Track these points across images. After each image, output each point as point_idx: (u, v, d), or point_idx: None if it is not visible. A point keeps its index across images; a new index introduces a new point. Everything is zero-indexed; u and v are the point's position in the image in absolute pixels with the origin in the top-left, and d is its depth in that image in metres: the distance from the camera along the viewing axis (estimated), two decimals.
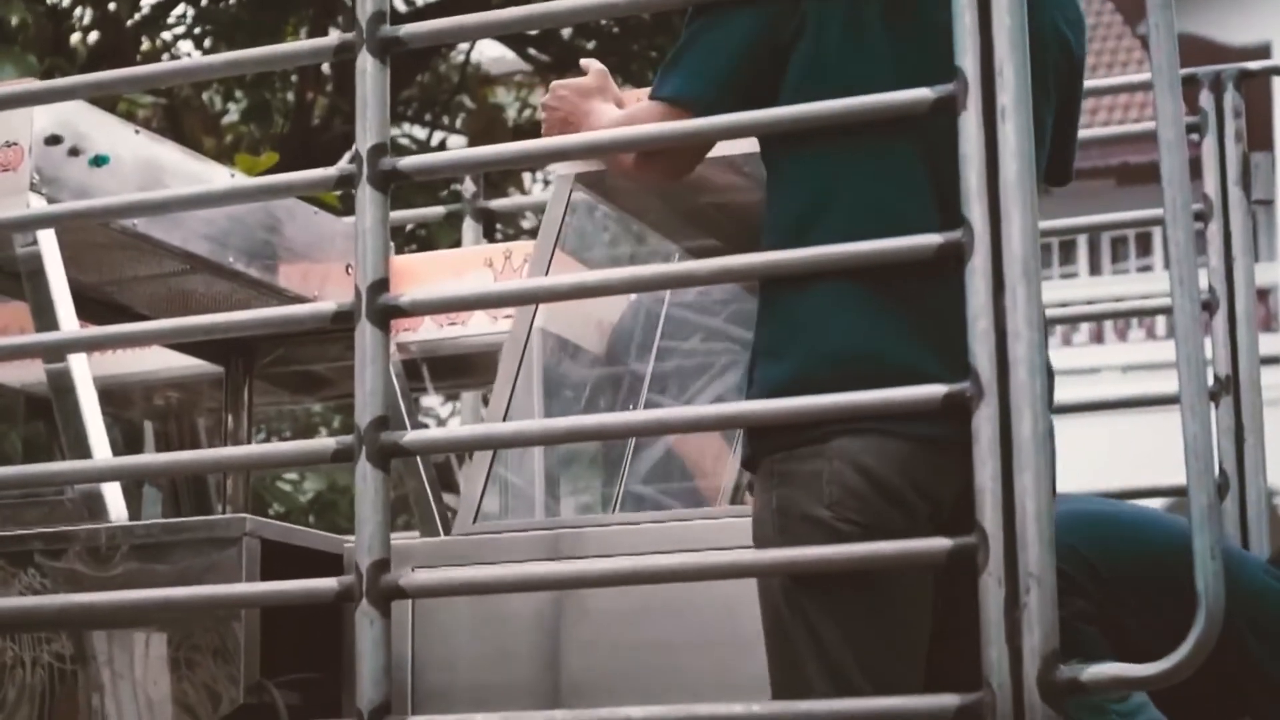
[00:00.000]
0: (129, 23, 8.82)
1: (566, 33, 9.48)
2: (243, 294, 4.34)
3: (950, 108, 2.34)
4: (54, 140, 3.81)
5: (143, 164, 4.00)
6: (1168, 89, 2.36)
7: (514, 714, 2.55)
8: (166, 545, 3.43)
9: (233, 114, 9.76)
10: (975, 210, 2.30)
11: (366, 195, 2.62)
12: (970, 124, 2.32)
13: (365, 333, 2.60)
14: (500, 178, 9.08)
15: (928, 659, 2.61)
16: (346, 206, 5.57)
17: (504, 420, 3.41)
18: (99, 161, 3.89)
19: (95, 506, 3.55)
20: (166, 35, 9.26)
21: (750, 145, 2.82)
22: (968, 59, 2.33)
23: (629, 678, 3.11)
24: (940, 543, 2.30)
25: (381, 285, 2.60)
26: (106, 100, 4.86)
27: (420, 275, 4.62)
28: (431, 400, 10.35)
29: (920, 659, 2.55)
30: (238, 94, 9.48)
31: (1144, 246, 18.38)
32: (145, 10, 8.94)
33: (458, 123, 10.34)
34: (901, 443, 2.49)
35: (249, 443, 4.96)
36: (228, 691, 3.36)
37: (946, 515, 2.51)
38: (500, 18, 2.78)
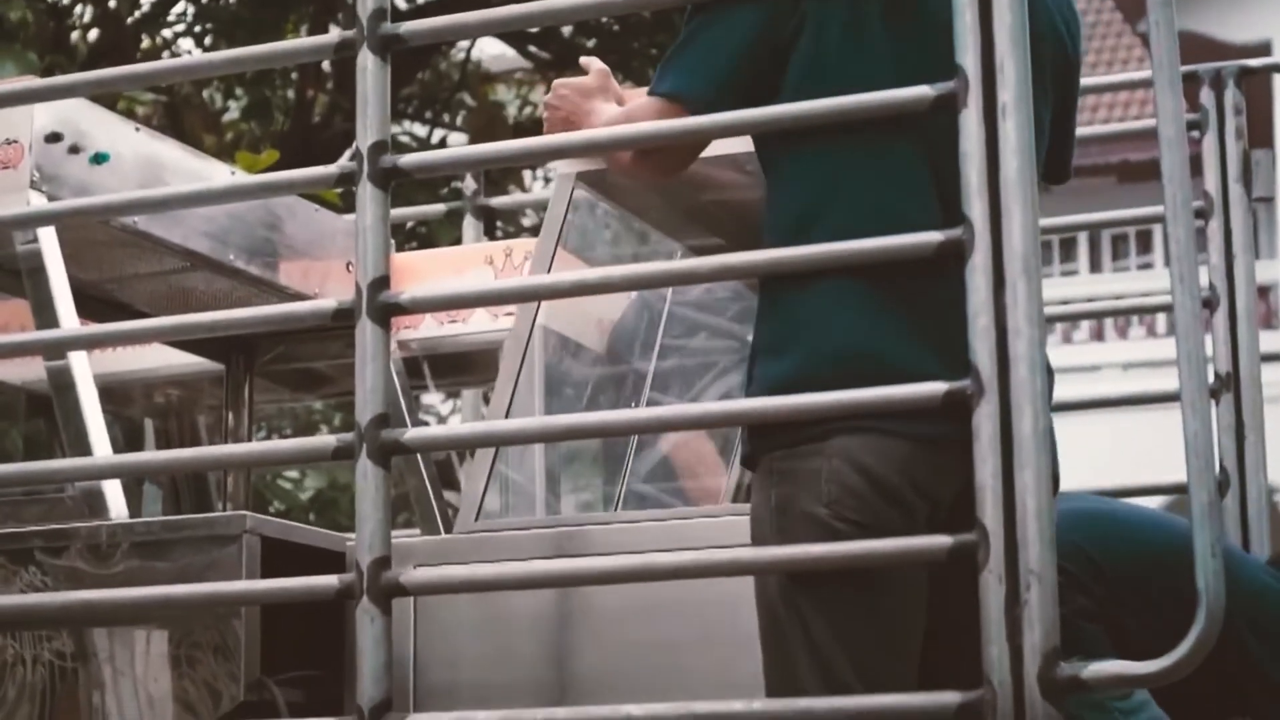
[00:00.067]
0: (129, 20, 8.82)
1: (567, 30, 9.48)
2: (243, 291, 4.34)
3: (951, 105, 2.34)
4: (54, 138, 3.81)
5: (143, 161, 4.00)
6: (1168, 86, 2.36)
7: (515, 712, 2.55)
8: (167, 543, 3.43)
9: (233, 111, 9.76)
10: (976, 207, 2.30)
11: (367, 193, 2.62)
12: (971, 121, 2.32)
13: (366, 330, 2.59)
14: (501, 175, 9.09)
15: (928, 657, 2.61)
16: (347, 204, 5.57)
17: (506, 418, 3.41)
18: (99, 159, 3.89)
19: (96, 504, 3.55)
20: (167, 33, 9.26)
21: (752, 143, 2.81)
22: (968, 56, 2.33)
23: (631, 676, 3.11)
24: (941, 540, 2.30)
25: (382, 283, 2.60)
26: (106, 98, 4.85)
27: (421, 273, 4.62)
28: (432, 398, 10.35)
29: (914, 659, 2.55)
30: (238, 91, 9.48)
31: (1144, 244, 18.38)
32: (145, 8, 8.94)
33: (458, 120, 10.35)
34: (901, 442, 2.49)
35: (249, 440, 4.96)
36: (228, 689, 3.36)
37: (945, 515, 2.51)
38: (501, 15, 2.77)
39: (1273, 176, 4.37)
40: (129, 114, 6.75)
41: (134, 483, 5.28)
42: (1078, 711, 2.33)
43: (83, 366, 3.68)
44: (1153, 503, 4.71)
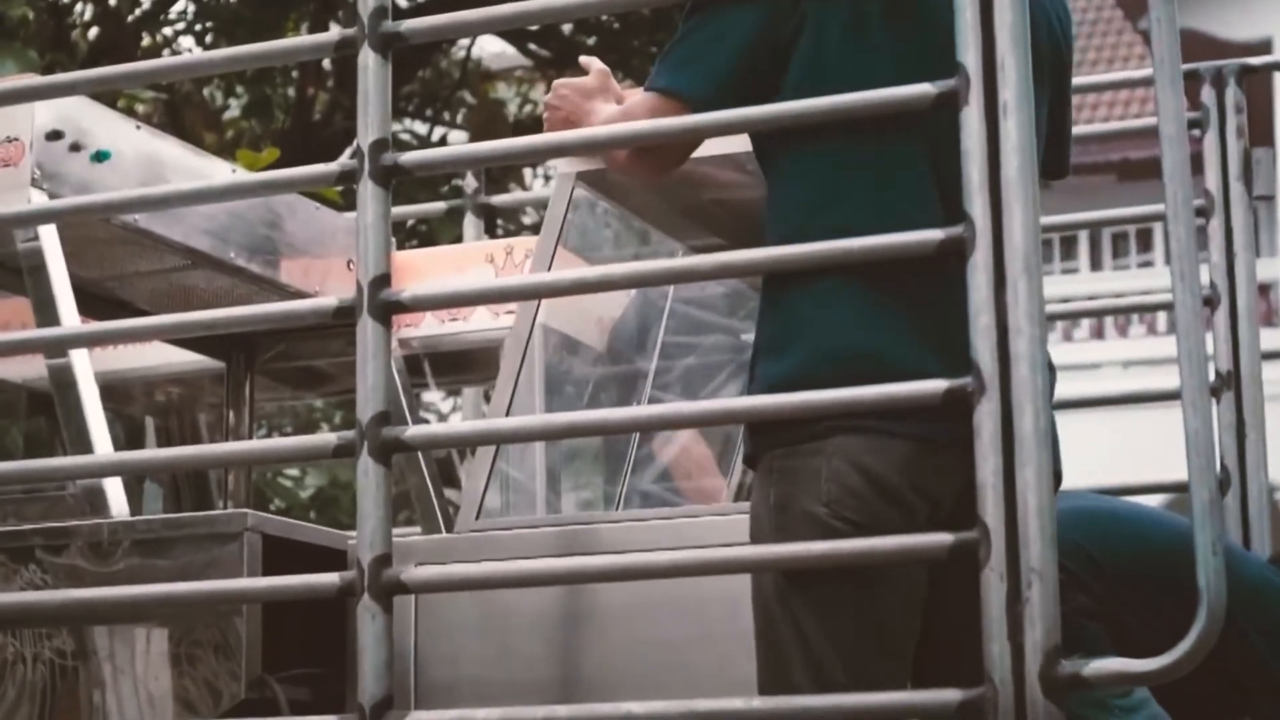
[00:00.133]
0: (129, 18, 8.82)
1: (567, 28, 9.48)
2: (244, 289, 4.34)
3: (952, 103, 2.34)
4: (55, 135, 3.81)
5: (144, 159, 4.00)
6: (1169, 84, 2.36)
7: (515, 709, 2.55)
8: (168, 540, 3.43)
9: (234, 110, 9.76)
10: (977, 205, 2.30)
11: (368, 191, 2.62)
12: (972, 119, 2.32)
13: (367, 328, 2.59)
14: (501, 173, 9.09)
15: (930, 655, 2.62)
16: (348, 202, 5.57)
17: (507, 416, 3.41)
18: (100, 157, 3.89)
19: (97, 502, 3.55)
20: (167, 31, 9.26)
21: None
22: (969, 54, 2.33)
23: (633, 674, 3.11)
24: (942, 538, 2.30)
25: (383, 281, 2.60)
26: (107, 96, 4.85)
27: (422, 271, 4.62)
28: (433, 396, 10.35)
29: (909, 659, 2.55)
30: (239, 89, 9.48)
31: (1145, 242, 18.37)
32: (146, 6, 8.94)
33: (459, 118, 10.34)
34: (902, 443, 2.49)
35: (250, 438, 4.96)
36: (229, 687, 3.36)
37: (945, 515, 2.51)
38: (501, 13, 2.77)
39: (1273, 175, 4.37)
40: (129, 112, 6.75)
41: (135, 481, 5.28)
42: (1078, 709, 2.33)
43: (84, 364, 3.68)
44: (1154, 501, 4.70)
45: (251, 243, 4.28)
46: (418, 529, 4.68)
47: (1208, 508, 2.24)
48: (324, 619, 3.37)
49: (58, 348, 3.66)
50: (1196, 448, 2.28)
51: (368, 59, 2.65)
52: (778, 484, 2.53)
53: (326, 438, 2.69)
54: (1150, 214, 4.74)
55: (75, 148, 3.85)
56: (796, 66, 2.59)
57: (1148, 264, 18.14)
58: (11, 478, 3.40)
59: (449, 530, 4.35)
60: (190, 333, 4.00)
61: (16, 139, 3.77)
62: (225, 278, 4.29)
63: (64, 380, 3.67)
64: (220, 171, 4.26)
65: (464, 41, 10.07)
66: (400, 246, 6.53)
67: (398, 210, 5.11)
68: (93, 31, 8.89)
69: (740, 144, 3.11)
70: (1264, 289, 16.17)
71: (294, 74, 9.28)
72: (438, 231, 7.85)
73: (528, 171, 10.87)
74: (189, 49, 9.37)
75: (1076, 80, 4.04)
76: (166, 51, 9.21)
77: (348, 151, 7.88)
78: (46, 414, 5.41)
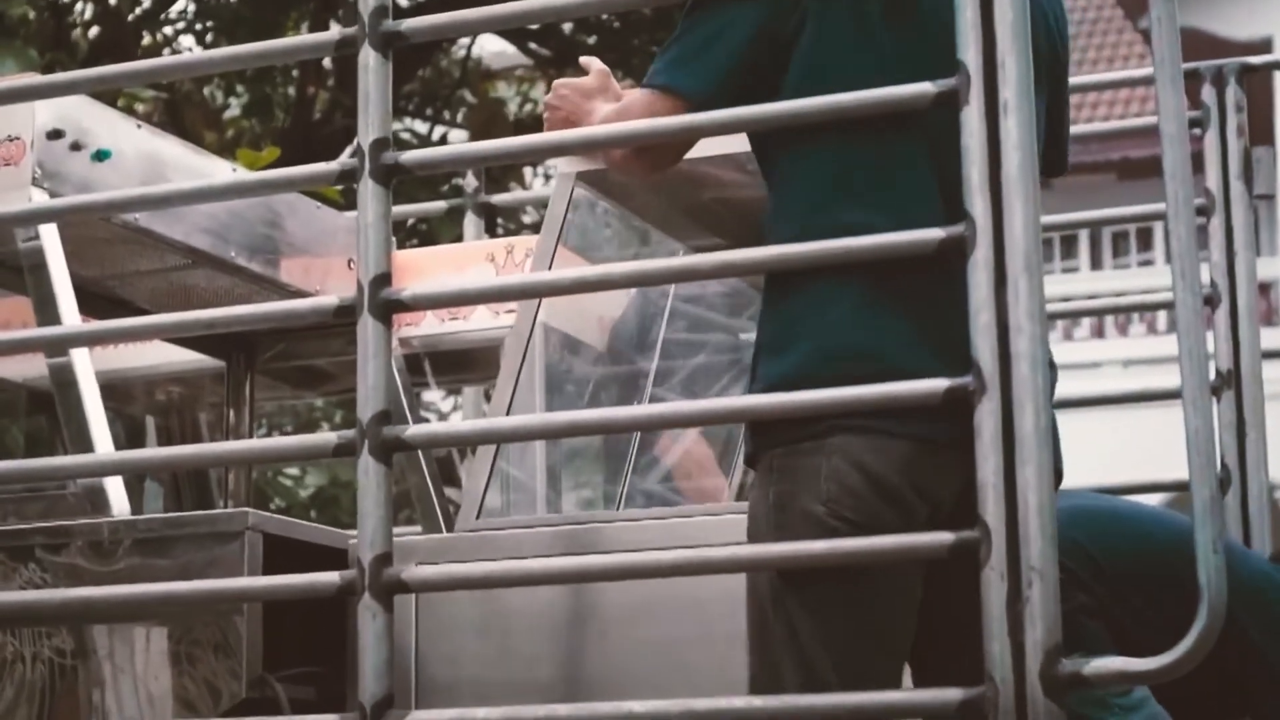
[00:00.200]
0: (130, 18, 8.82)
1: (567, 27, 9.48)
2: (244, 289, 4.34)
3: (952, 102, 2.34)
4: (56, 135, 3.81)
5: (145, 159, 4.00)
6: (1170, 83, 2.36)
7: (515, 708, 2.55)
8: (169, 540, 3.43)
9: (234, 109, 9.76)
10: (978, 204, 2.30)
11: (368, 190, 2.62)
12: (972, 118, 2.32)
13: (367, 327, 2.59)
14: (501, 173, 9.09)
15: (931, 654, 2.61)
16: (348, 201, 5.57)
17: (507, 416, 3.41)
18: (101, 156, 3.89)
19: (98, 501, 3.55)
20: (168, 30, 9.26)
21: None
22: (970, 53, 2.33)
23: (634, 674, 3.11)
24: (943, 537, 2.30)
25: (383, 280, 2.60)
26: (106, 95, 4.85)
27: (422, 270, 4.62)
28: (433, 395, 10.35)
29: (903, 661, 2.55)
30: (239, 89, 9.49)
31: (1145, 241, 18.38)
32: (146, 5, 8.95)
33: (459, 117, 10.35)
34: (902, 443, 2.48)
35: (250, 437, 4.96)
36: (228, 686, 3.36)
37: (945, 517, 2.51)
38: (501, 12, 2.77)
39: (1274, 174, 4.37)
40: (129, 111, 6.75)
41: (135, 480, 5.28)
42: (1079, 708, 2.33)
43: (84, 363, 3.69)
44: (1154, 500, 4.71)
45: (252, 242, 4.28)
46: (418, 528, 4.69)
47: (1208, 506, 2.24)
48: (324, 618, 3.37)
49: (58, 346, 3.67)
50: (1197, 446, 2.28)
51: (368, 58, 2.65)
52: (777, 482, 2.53)
53: (327, 437, 2.69)
54: (1151, 213, 4.74)
55: (76, 147, 3.85)
56: (797, 65, 2.59)
57: (1148, 263, 18.14)
58: (12, 476, 3.40)
59: (449, 530, 4.35)
60: (190, 332, 4.00)
61: (17, 138, 3.77)
62: (226, 277, 4.30)
63: (65, 379, 3.67)
64: (221, 171, 4.26)
65: (464, 40, 10.08)
66: (401, 246, 6.53)
67: (398, 209, 5.11)
68: (93, 31, 8.89)
69: (741, 143, 3.11)
70: (1264, 288, 16.18)
71: (294, 73, 9.28)
72: (438, 231, 7.86)
73: (528, 171, 10.86)
74: (189, 48, 9.38)
75: (1077, 79, 4.04)
76: (167, 51, 9.21)
77: (348, 150, 7.89)
78: (47, 413, 5.41)
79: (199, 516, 3.61)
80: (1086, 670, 2.21)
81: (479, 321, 4.64)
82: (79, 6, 8.86)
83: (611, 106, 2.84)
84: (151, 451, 4.88)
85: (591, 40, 9.34)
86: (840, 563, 2.42)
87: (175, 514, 4.02)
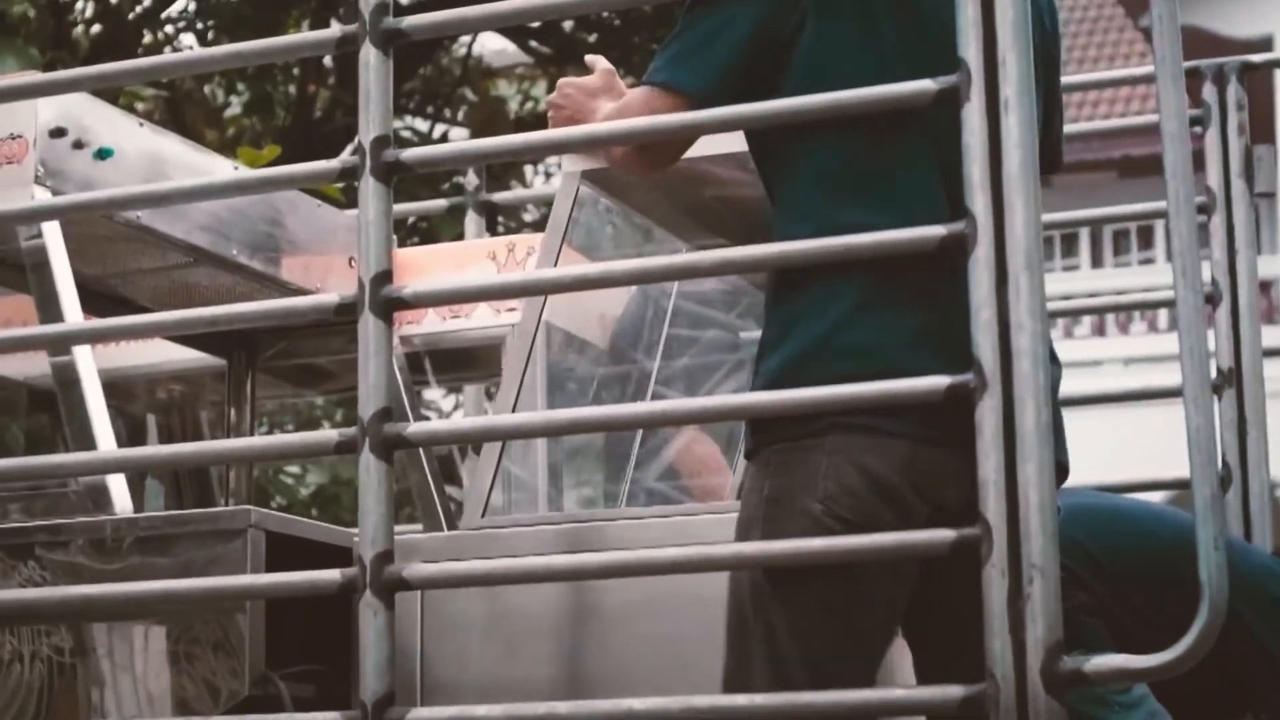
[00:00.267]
0: (130, 16, 8.82)
1: (568, 25, 9.48)
2: (246, 287, 4.34)
3: (953, 99, 2.34)
4: (58, 133, 3.81)
5: (146, 157, 4.00)
6: (1171, 81, 2.36)
7: (514, 706, 2.55)
8: (170, 537, 3.43)
9: (235, 107, 9.76)
10: (979, 201, 2.30)
11: (369, 187, 2.62)
12: (973, 116, 2.32)
13: (368, 325, 2.59)
14: (502, 171, 9.09)
15: (932, 651, 2.62)
16: (349, 199, 5.57)
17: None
18: (103, 154, 3.89)
19: (100, 499, 3.55)
20: (168, 28, 9.26)
21: None
22: (971, 50, 2.33)
23: (639, 672, 3.11)
24: (944, 534, 2.30)
25: (385, 277, 2.60)
26: (107, 93, 4.85)
27: (423, 268, 4.62)
28: (433, 394, 10.35)
29: (876, 665, 2.53)
30: (240, 87, 9.48)
31: (1146, 239, 18.37)
32: (146, 3, 8.95)
33: (459, 115, 10.34)
34: (902, 443, 2.48)
35: (252, 436, 4.96)
36: (228, 685, 3.36)
37: (950, 517, 2.48)
38: (502, 10, 2.77)
39: (1275, 172, 4.37)
40: (129, 110, 6.75)
41: (137, 478, 5.28)
42: (1079, 706, 2.33)
43: (86, 361, 3.69)
44: (1155, 498, 4.71)
45: (253, 240, 4.28)
46: (419, 526, 4.69)
47: (1209, 504, 2.24)
48: (326, 616, 3.37)
49: (60, 344, 3.67)
50: (1198, 444, 2.28)
51: (369, 56, 2.65)
52: (773, 476, 2.53)
53: (328, 434, 2.69)
54: (1151, 211, 4.74)
55: (78, 145, 3.85)
56: (797, 65, 2.59)
57: (1149, 261, 18.14)
58: (13, 474, 3.40)
59: (450, 527, 4.36)
60: (192, 329, 4.01)
61: (20, 136, 3.78)
62: (227, 275, 4.30)
63: (66, 377, 3.67)
64: (222, 169, 4.26)
65: (465, 38, 10.08)
66: (401, 244, 6.53)
67: (399, 207, 5.11)
68: (94, 29, 8.89)
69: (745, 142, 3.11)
70: (1265, 286, 16.17)
71: (295, 71, 9.28)
72: (439, 229, 7.85)
73: (529, 169, 10.87)
74: (190, 46, 9.37)
75: (1079, 77, 4.03)
76: (168, 49, 9.21)
77: (349, 148, 7.89)
78: (48, 411, 5.42)
79: (201, 514, 3.61)
80: (1088, 667, 2.21)
81: (480, 319, 4.64)
82: (79, 5, 8.86)
83: (614, 104, 2.84)
84: (153, 449, 4.88)
85: (592, 38, 9.33)
86: (840, 560, 2.42)
87: (177, 512, 4.03)
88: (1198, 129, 4.20)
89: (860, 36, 2.57)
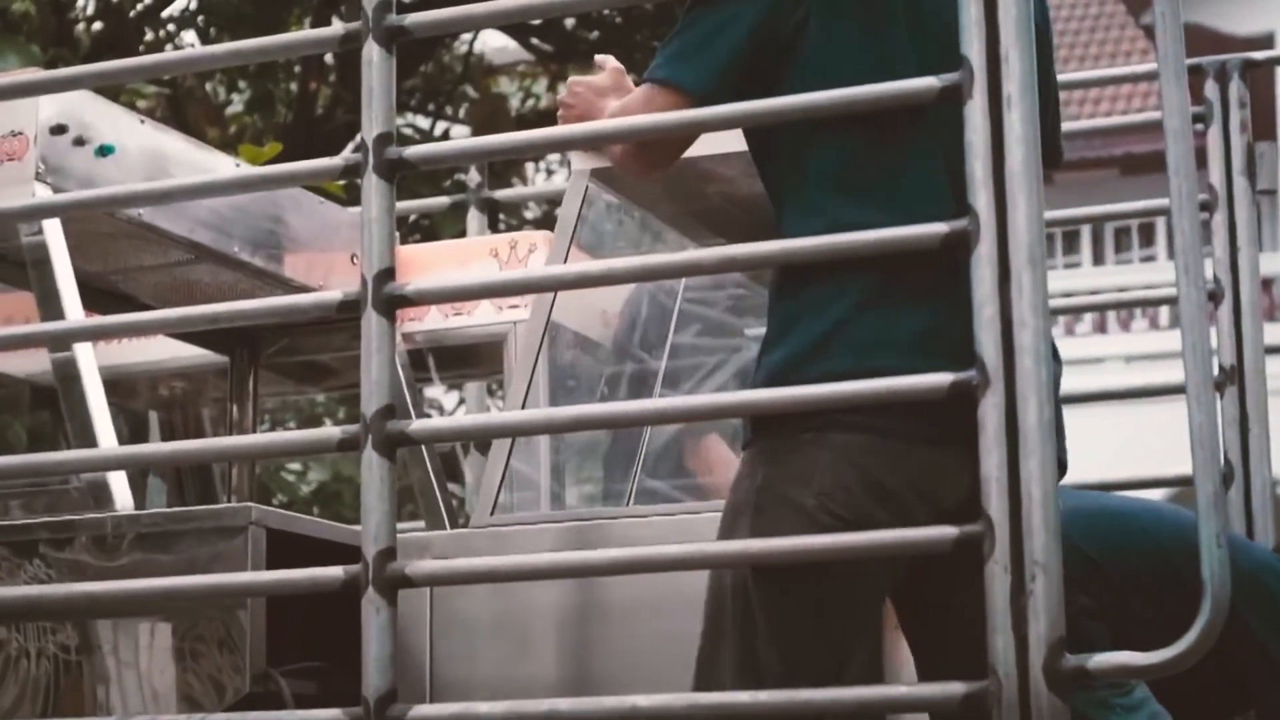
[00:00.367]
0: (131, 14, 8.82)
1: (569, 23, 9.48)
2: (247, 284, 4.34)
3: (956, 97, 2.34)
4: (59, 130, 3.81)
5: (148, 154, 4.00)
6: (1173, 78, 2.36)
7: (517, 703, 2.55)
8: (172, 534, 3.43)
9: (236, 104, 9.76)
10: (981, 198, 2.30)
11: (372, 184, 2.62)
12: (976, 113, 2.32)
13: (371, 322, 2.59)
14: (503, 168, 9.09)
15: (935, 648, 2.61)
16: (351, 196, 5.57)
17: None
18: (104, 151, 3.89)
19: (101, 496, 3.55)
20: (170, 26, 9.26)
21: None
22: (973, 47, 2.33)
23: (647, 670, 3.11)
24: (946, 531, 2.30)
25: (387, 274, 2.60)
26: (108, 91, 4.85)
27: (425, 265, 4.62)
28: (436, 391, 10.36)
29: (849, 662, 2.52)
30: (241, 84, 9.48)
31: (1147, 237, 18.37)
32: (147, 1, 8.95)
33: (461, 113, 10.35)
34: (903, 442, 2.48)
35: (254, 433, 4.96)
36: (232, 681, 3.36)
37: (952, 517, 2.48)
38: (504, 7, 2.77)
39: (1277, 169, 4.37)
40: (130, 107, 6.75)
41: (139, 475, 5.28)
42: (1080, 708, 2.32)
43: (88, 358, 3.69)
44: (1157, 495, 4.71)
45: (255, 237, 4.28)
46: (421, 523, 4.69)
47: (1212, 501, 2.24)
48: (329, 613, 3.37)
49: (62, 342, 3.67)
50: (1200, 442, 2.28)
51: (372, 53, 2.65)
52: (767, 464, 2.52)
53: (331, 431, 2.69)
54: (1153, 209, 4.74)
55: (79, 142, 3.86)
56: (800, 63, 2.58)
57: (1151, 258, 18.14)
58: (16, 472, 3.41)
59: (453, 525, 4.36)
60: (194, 327, 4.01)
61: (21, 133, 3.78)
62: (229, 272, 4.30)
63: (68, 374, 3.67)
64: (223, 166, 4.26)
65: (466, 36, 10.08)
66: (403, 241, 6.53)
67: (401, 205, 5.10)
68: (95, 26, 8.89)
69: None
70: (1267, 283, 16.16)
71: (296, 69, 9.28)
72: (441, 226, 7.85)
73: (530, 166, 10.87)
74: (191, 44, 9.37)
75: (1081, 74, 4.02)
76: (169, 46, 9.21)
77: (351, 145, 7.89)
78: (50, 408, 5.42)
79: (202, 511, 3.61)
80: (1091, 664, 2.21)
81: (482, 316, 4.64)
82: (80, 2, 8.87)
83: (617, 103, 2.84)
84: (155, 446, 4.88)
85: (593, 36, 9.34)
86: (840, 557, 2.42)
87: (179, 509, 4.03)
88: (1200, 126, 4.20)
89: (862, 35, 2.57)
